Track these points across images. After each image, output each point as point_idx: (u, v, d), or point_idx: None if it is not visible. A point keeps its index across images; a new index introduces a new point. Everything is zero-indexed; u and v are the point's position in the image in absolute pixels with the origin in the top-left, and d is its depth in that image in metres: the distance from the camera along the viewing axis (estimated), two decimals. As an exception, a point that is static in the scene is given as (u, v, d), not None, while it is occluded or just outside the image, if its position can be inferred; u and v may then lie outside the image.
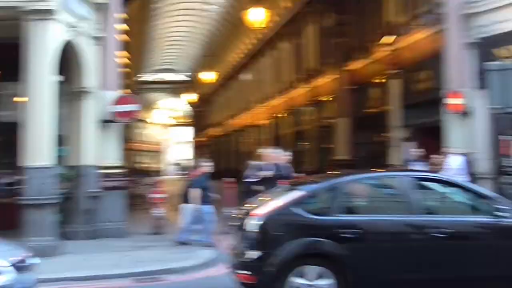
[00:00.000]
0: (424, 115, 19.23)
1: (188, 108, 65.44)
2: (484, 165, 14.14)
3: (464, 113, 15.25)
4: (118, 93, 13.92)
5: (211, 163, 11.91)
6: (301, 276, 6.33)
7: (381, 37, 21.42)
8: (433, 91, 18.24)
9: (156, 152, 77.25)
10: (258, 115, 38.61)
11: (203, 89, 54.33)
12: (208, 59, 44.99)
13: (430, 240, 6.41)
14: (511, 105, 11.58)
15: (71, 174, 12.83)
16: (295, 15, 30.26)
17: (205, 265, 9.79)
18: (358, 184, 7.11)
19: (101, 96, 13.56)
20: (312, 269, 6.32)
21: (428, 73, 18.69)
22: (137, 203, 16.75)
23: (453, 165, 12.43)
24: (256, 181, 8.87)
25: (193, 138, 66.47)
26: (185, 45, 46.10)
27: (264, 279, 6.32)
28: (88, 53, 13.31)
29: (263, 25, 22.53)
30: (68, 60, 12.89)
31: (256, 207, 6.98)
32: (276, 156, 9.58)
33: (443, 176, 7.18)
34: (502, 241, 6.58)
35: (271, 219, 6.48)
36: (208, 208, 10.94)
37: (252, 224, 6.47)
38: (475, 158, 13.59)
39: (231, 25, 39.62)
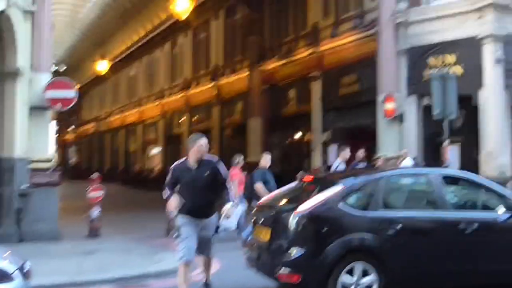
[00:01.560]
0: (347, 118, 20.15)
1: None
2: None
3: (396, 117, 16.30)
4: (51, 76, 13.08)
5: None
6: (349, 273, 6.51)
7: (304, 38, 22.07)
8: (359, 95, 19.20)
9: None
10: (149, 112, 38.01)
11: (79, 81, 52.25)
12: (90, 47, 43.46)
13: (462, 235, 6.96)
14: (451, 111, 12.83)
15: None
16: (199, 6, 30.16)
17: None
18: (398, 179, 7.54)
19: (32, 78, 12.63)
20: (359, 266, 6.53)
21: (355, 77, 19.55)
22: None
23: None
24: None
25: (59, 134, 63.42)
26: (63, 31, 44.01)
27: (311, 278, 6.41)
28: (19, 28, 12.35)
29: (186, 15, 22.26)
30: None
31: (286, 201, 7.23)
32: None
33: (469, 175, 7.76)
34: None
35: (315, 215, 6.59)
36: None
37: (296, 220, 6.53)
38: (420, 161, 14.55)
39: (121, 11, 38.49)
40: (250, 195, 11.29)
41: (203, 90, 29.93)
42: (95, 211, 13.05)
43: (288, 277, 6.52)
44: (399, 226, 6.76)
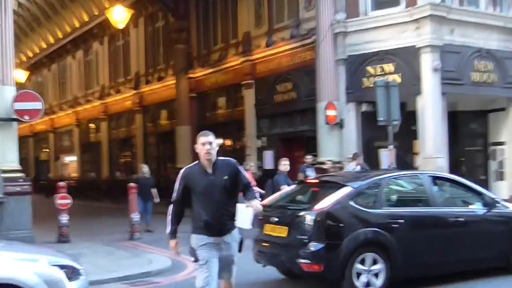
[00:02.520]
0: (283, 124, 21.39)
1: None
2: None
3: (337, 124, 17.68)
4: (17, 88, 13.45)
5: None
6: (361, 263, 7.73)
7: (235, 47, 23.13)
8: (295, 102, 20.41)
9: None
10: (62, 120, 37.71)
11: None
12: None
13: (451, 228, 8.38)
14: (395, 117, 14.40)
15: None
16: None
17: (172, 269, 10.28)
18: (395, 181, 8.86)
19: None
20: (369, 256, 7.79)
21: (290, 85, 20.66)
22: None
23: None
24: None
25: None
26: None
27: (331, 267, 7.58)
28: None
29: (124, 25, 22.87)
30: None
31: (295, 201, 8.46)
32: None
33: (453, 176, 9.40)
34: (500, 225, 8.94)
35: (331, 213, 7.77)
36: None
37: (315, 217, 7.67)
38: (367, 166, 15.97)
39: (30, 17, 37.93)
40: None
41: (123, 97, 30.41)
42: (64, 218, 13.60)
43: (311, 267, 7.66)
44: (401, 221, 8.06)
